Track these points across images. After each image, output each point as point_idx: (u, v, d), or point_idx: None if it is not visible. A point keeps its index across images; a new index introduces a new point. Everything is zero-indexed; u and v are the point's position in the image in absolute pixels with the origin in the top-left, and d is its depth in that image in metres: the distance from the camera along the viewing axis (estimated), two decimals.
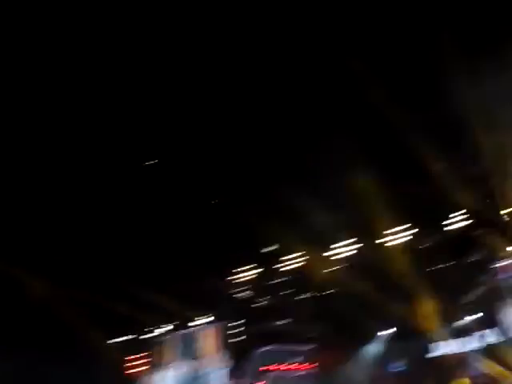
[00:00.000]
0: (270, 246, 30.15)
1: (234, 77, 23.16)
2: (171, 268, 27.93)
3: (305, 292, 30.38)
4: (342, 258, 29.80)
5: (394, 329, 28.68)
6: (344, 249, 29.66)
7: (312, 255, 29.69)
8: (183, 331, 28.46)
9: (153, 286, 27.51)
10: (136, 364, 29.39)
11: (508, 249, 27.36)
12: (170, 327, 28.90)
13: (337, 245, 29.71)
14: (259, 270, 30.44)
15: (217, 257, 28.35)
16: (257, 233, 27.30)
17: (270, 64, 22.83)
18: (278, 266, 29.93)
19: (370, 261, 28.46)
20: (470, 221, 28.58)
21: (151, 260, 27.88)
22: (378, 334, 28.96)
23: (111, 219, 26.71)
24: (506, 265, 27.07)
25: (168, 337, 28.53)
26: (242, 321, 28.45)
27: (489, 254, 27.53)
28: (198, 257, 27.99)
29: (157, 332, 28.90)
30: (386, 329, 28.87)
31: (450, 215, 29.51)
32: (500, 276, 27.21)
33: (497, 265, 27.60)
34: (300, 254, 29.82)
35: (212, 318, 28.46)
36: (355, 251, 29.94)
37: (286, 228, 27.40)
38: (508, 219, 27.78)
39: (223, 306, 28.93)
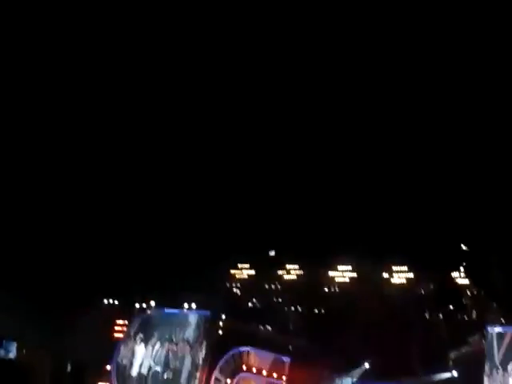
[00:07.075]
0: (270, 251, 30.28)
1: None
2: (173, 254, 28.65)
3: (296, 305, 30.53)
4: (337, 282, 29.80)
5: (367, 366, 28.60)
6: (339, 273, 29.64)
7: (309, 271, 29.79)
8: (166, 311, 29.17)
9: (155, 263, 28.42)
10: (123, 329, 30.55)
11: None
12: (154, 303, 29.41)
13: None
14: (254, 272, 30.76)
15: (217, 250, 28.88)
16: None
17: None
18: (275, 272, 30.18)
19: (363, 292, 28.28)
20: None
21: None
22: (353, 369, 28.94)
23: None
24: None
25: (151, 313, 29.31)
26: (224, 317, 29.00)
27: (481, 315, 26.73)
28: (199, 248, 28.60)
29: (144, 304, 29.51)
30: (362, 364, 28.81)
31: None
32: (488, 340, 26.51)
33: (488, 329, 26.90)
34: (298, 266, 29.92)
35: (195, 307, 28.93)
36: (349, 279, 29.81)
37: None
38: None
39: (211, 298, 29.56)
